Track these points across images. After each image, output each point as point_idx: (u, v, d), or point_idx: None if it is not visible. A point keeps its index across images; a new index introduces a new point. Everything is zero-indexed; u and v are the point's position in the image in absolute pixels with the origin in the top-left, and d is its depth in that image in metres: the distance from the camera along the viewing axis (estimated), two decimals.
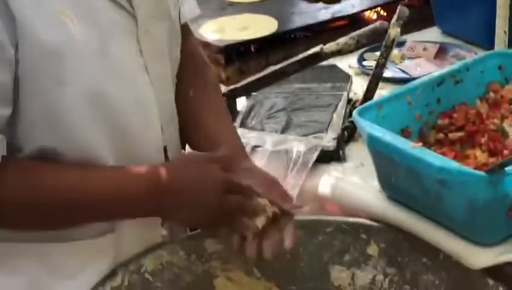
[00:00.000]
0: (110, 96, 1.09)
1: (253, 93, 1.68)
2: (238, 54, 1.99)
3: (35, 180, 1.05)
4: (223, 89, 1.67)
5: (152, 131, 1.18)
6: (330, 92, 1.67)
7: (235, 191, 1.13)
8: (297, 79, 1.71)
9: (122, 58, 1.12)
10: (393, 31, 1.50)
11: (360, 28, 1.95)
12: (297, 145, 1.46)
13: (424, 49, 1.92)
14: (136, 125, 1.14)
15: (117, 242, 1.17)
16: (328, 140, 1.47)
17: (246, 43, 2.00)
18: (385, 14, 2.24)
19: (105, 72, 1.09)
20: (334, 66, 1.76)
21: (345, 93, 1.64)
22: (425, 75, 1.70)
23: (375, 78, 1.51)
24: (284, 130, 1.55)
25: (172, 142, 1.25)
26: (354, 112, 1.29)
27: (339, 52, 1.59)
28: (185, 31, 1.33)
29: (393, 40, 1.50)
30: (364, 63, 1.87)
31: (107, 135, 1.11)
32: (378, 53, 1.56)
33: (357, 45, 1.60)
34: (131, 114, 1.13)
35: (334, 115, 1.57)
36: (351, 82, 1.70)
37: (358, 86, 1.73)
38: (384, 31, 1.53)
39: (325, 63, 1.70)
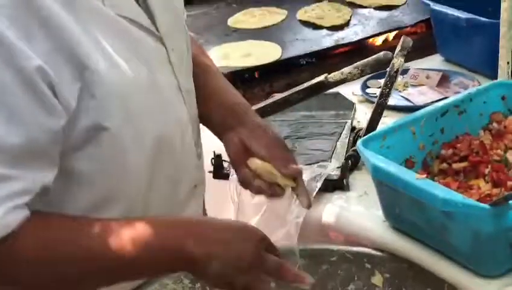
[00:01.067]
0: (162, 130, 1.10)
1: None
2: (242, 80, 2.00)
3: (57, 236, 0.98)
4: None
5: (189, 149, 1.19)
6: (334, 120, 1.68)
7: (271, 252, 1.04)
8: (302, 106, 1.71)
9: (166, 85, 1.13)
10: (397, 62, 1.51)
11: (363, 54, 1.96)
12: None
13: (427, 77, 1.92)
14: (177, 145, 1.14)
15: None
16: (332, 169, 1.47)
17: (250, 70, 2.01)
18: (388, 40, 2.25)
19: (157, 103, 1.09)
20: (337, 94, 1.76)
21: (349, 122, 1.65)
22: (429, 103, 1.73)
23: (379, 108, 1.52)
24: None
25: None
26: (358, 143, 1.30)
27: (343, 81, 1.60)
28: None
29: (397, 70, 1.51)
30: (367, 90, 1.87)
31: (153, 161, 1.09)
32: (381, 80, 1.57)
33: (361, 74, 1.61)
34: (173, 136, 1.13)
35: (338, 144, 1.58)
36: (355, 110, 1.71)
37: (362, 114, 1.73)
38: (388, 61, 1.53)
39: (329, 90, 1.71)
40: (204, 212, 1.37)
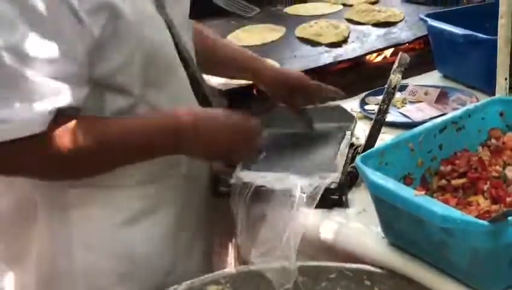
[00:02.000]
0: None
1: None
2: (241, 97, 1.99)
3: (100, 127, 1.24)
4: None
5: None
6: (335, 132, 1.67)
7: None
8: (301, 120, 1.72)
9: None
10: (395, 78, 1.50)
11: (362, 71, 1.97)
12: (301, 186, 1.47)
13: (426, 94, 1.93)
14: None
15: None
16: (333, 179, 1.47)
17: (249, 87, 2.00)
18: (386, 57, 2.25)
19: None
20: (338, 107, 1.75)
21: (349, 133, 1.65)
22: (427, 119, 1.73)
23: (378, 125, 1.51)
24: (287, 169, 1.55)
25: None
26: (357, 159, 1.30)
27: (341, 98, 1.62)
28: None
29: (395, 86, 1.51)
30: (366, 107, 1.88)
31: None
32: (379, 97, 1.57)
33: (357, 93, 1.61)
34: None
35: (338, 156, 1.57)
36: (356, 122, 1.70)
37: (360, 130, 1.73)
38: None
39: (330, 103, 1.74)
40: None
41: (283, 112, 1.73)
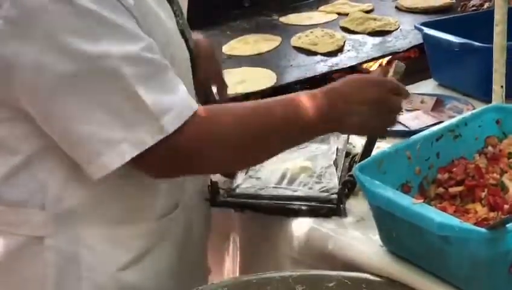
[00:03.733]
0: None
1: None
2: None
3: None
4: None
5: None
6: (327, 151, 1.64)
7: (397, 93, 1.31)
8: None
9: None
10: None
11: None
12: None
13: (422, 102, 1.93)
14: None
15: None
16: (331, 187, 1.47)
17: (245, 96, 2.01)
18: (382, 66, 2.26)
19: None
20: None
21: (343, 153, 1.61)
22: (423, 127, 1.73)
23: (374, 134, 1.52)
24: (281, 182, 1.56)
25: None
26: (355, 169, 1.30)
27: None
28: None
29: None
30: None
31: None
32: None
33: None
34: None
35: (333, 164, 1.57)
36: (348, 137, 1.66)
37: (358, 139, 1.73)
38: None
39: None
40: None
41: None
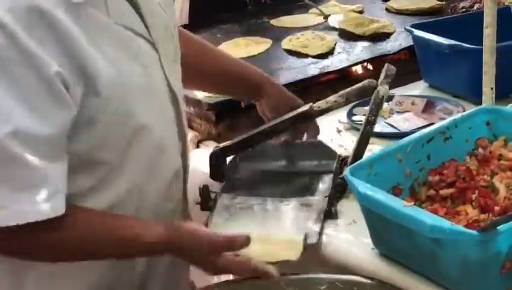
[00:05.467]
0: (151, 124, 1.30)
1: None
2: (228, 110, 1.99)
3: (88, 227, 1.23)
4: (214, 146, 1.68)
5: (173, 143, 1.38)
6: (317, 170, 1.59)
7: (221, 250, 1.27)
8: (282, 156, 1.64)
9: (159, 84, 1.33)
10: (382, 89, 1.52)
11: (348, 82, 1.96)
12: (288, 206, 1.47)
13: (412, 104, 1.93)
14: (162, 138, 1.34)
15: None
16: (319, 199, 1.47)
17: (236, 100, 2.00)
18: (372, 68, 2.26)
19: (151, 101, 1.30)
20: (319, 143, 1.64)
21: (331, 176, 1.55)
22: (414, 129, 1.74)
23: (365, 136, 1.52)
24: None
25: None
26: (346, 171, 1.30)
27: (329, 110, 1.60)
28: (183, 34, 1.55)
29: (382, 97, 1.52)
30: (353, 118, 1.88)
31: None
32: (367, 108, 1.57)
33: (346, 102, 1.62)
34: (160, 130, 1.32)
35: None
36: (338, 160, 1.59)
37: (349, 141, 1.74)
38: (372, 88, 1.54)
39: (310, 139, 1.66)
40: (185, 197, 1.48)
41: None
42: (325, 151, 1.62)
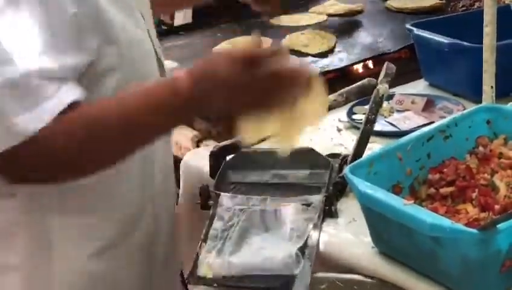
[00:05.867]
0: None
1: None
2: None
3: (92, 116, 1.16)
4: (214, 145, 1.68)
5: None
6: (308, 182, 1.52)
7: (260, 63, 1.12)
8: (273, 164, 1.55)
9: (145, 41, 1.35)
10: (382, 88, 1.52)
11: (348, 81, 1.97)
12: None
13: (413, 102, 1.93)
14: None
15: None
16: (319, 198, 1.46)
17: None
18: (372, 67, 2.25)
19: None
20: (311, 150, 1.55)
21: (323, 189, 1.48)
22: (414, 128, 1.74)
23: (365, 135, 1.52)
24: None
25: None
26: (346, 170, 1.31)
27: (328, 109, 1.60)
28: None
29: (382, 96, 1.52)
30: (353, 116, 1.88)
31: None
32: (367, 106, 1.57)
33: (346, 101, 1.62)
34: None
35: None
36: (332, 169, 1.52)
37: (349, 140, 1.74)
38: (372, 87, 1.54)
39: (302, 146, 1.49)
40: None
41: (253, 155, 1.59)
42: (318, 160, 1.54)
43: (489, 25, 1.60)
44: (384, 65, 1.56)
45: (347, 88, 1.60)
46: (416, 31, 2.05)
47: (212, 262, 1.39)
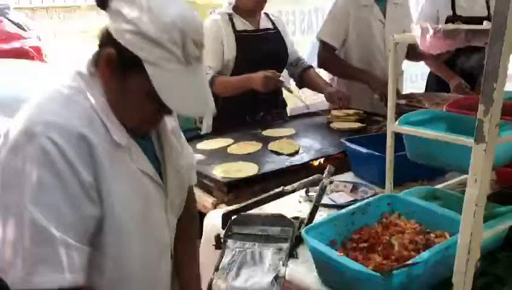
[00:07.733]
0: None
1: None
2: (235, 186, 1.99)
3: None
4: (225, 208, 1.67)
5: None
6: (280, 235, 1.47)
7: None
8: (260, 222, 1.49)
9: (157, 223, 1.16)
10: (326, 181, 1.53)
11: (308, 172, 1.96)
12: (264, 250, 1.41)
13: (344, 186, 1.94)
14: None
15: None
16: (287, 245, 1.45)
17: (240, 179, 2.00)
18: (322, 163, 2.25)
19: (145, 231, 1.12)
20: (281, 216, 1.48)
21: (289, 240, 1.44)
22: (345, 203, 1.73)
23: (315, 207, 1.52)
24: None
25: None
26: (302, 230, 1.30)
27: (294, 191, 1.61)
28: (190, 191, 1.35)
29: (325, 186, 1.53)
30: (309, 193, 1.88)
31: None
32: (317, 188, 1.57)
33: (304, 187, 1.62)
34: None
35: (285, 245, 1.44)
36: (294, 227, 1.45)
37: (306, 209, 1.72)
38: (319, 180, 1.55)
39: (275, 212, 1.50)
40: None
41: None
42: (286, 221, 1.47)
43: (389, 143, 1.61)
44: (327, 167, 1.57)
45: (304, 180, 1.60)
46: (348, 143, 2.07)
47: (220, 285, 1.37)
